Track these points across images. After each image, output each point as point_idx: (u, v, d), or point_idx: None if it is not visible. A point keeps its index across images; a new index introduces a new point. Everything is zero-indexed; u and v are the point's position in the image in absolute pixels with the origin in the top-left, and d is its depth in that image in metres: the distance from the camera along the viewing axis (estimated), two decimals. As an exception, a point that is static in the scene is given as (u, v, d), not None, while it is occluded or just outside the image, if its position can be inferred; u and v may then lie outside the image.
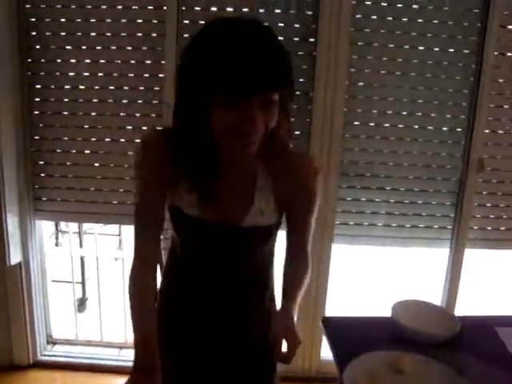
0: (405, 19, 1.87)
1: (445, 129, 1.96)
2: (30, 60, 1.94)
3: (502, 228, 2.07)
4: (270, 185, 1.04)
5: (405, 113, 1.94)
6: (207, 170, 0.98)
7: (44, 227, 2.29)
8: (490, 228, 2.07)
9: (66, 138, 2.00)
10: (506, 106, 1.96)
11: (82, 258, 2.91)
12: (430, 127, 1.95)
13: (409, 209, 2.01)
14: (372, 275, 3.50)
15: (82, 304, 2.90)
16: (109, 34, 1.90)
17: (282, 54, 0.85)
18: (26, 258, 2.09)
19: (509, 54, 1.92)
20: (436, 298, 2.13)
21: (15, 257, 2.04)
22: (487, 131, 1.97)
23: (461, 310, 2.11)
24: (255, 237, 1.06)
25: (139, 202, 1.03)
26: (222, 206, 1.01)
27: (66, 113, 1.98)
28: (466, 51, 1.91)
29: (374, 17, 1.88)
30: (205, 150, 0.95)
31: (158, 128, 1.01)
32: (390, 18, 1.87)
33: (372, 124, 1.96)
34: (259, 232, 1.05)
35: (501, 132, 1.99)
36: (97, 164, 2.02)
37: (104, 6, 1.88)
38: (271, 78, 0.83)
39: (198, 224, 1.02)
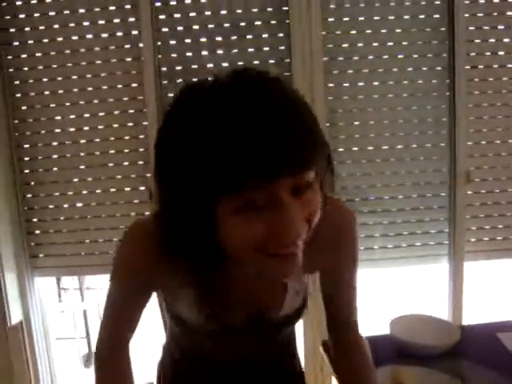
0: (375, 44, 1.93)
1: (428, 145, 1.99)
2: (16, 121, 1.99)
3: (499, 238, 2.06)
4: (303, 261, 0.74)
5: (387, 134, 1.97)
6: (213, 261, 0.69)
7: (45, 285, 2.29)
8: (486, 239, 2.07)
9: (58, 194, 2.03)
10: (485, 117, 1.99)
11: (84, 313, 2.89)
12: (414, 145, 1.98)
13: (403, 228, 2.01)
14: (374, 295, 3.47)
15: (88, 359, 2.86)
16: (90, 89, 1.96)
17: (300, 116, 0.58)
18: (26, 316, 2.08)
19: (480, 67, 1.97)
20: (442, 313, 2.11)
21: (15, 316, 2.03)
22: (470, 143, 2.00)
23: (468, 321, 2.09)
24: (290, 320, 0.89)
25: (113, 301, 0.84)
26: (248, 304, 0.82)
27: (55, 169, 2.01)
28: (439, 68, 1.96)
29: (345, 44, 1.93)
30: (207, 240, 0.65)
31: (144, 218, 0.79)
32: (361, 45, 1.93)
33: (355, 148, 1.98)
34: (295, 314, 0.88)
35: (483, 143, 2.01)
36: (89, 216, 2.03)
37: (83, 63, 1.94)
38: (294, 152, 0.55)
39: (221, 332, 0.82)
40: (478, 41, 1.95)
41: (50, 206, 2.04)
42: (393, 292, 3.54)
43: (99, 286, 2.50)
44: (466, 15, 1.92)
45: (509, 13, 1.94)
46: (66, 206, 2.03)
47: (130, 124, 1.95)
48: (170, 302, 0.84)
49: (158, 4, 1.90)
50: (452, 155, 1.98)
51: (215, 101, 0.56)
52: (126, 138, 1.96)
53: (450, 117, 1.97)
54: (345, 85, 1.93)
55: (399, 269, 2.24)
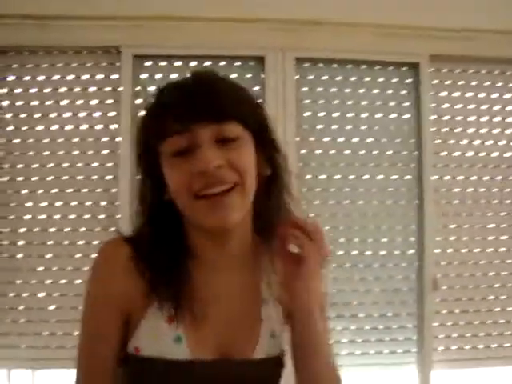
0: (347, 151, 2.01)
1: (397, 252, 2.02)
2: (-15, 205, 1.96)
3: (467, 347, 2.05)
4: (276, 290, 0.78)
5: (356, 239, 2.00)
6: (180, 277, 0.75)
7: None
8: (454, 347, 2.05)
9: (20, 282, 1.96)
10: (451, 226, 2.05)
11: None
12: (383, 252, 2.00)
13: (370, 335, 1.99)
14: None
15: None
16: (65, 178, 1.96)
17: (224, 84, 0.75)
18: (-30, 414, 1.94)
19: (446, 178, 2.05)
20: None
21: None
22: (438, 251, 2.04)
23: None
24: (272, 375, 0.79)
25: (86, 333, 0.78)
26: (217, 333, 0.76)
27: (20, 255, 1.96)
28: (408, 177, 2.04)
29: (318, 151, 2.00)
30: (174, 246, 0.76)
31: (119, 236, 0.81)
32: (333, 152, 2.00)
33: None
34: (275, 366, 0.79)
35: (450, 251, 2.05)
36: (52, 307, 1.96)
37: (61, 152, 1.96)
38: (207, 104, 0.70)
39: (187, 370, 0.74)
40: (443, 153, 2.05)
41: (10, 295, 1.97)
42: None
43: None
44: (432, 129, 2.03)
45: (470, 130, 2.06)
46: (26, 294, 1.96)
47: (102, 216, 1.94)
48: (138, 347, 0.74)
49: (138, 101, 1.95)
50: (420, 262, 2.01)
51: (168, 85, 0.76)
52: (97, 229, 1.94)
53: (418, 224, 2.02)
54: (316, 190, 1.98)
55: (366, 375, 2.19)
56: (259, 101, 0.81)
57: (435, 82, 2.04)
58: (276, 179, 0.79)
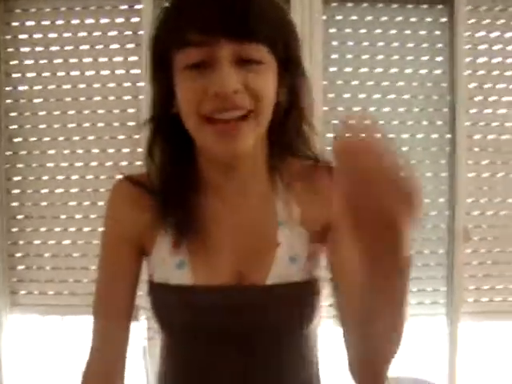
0: (377, 95, 1.92)
1: (427, 201, 1.95)
2: (8, 152, 1.96)
3: (497, 299, 1.99)
4: (297, 212, 0.72)
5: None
6: (186, 202, 0.71)
7: (26, 323, 2.20)
8: (484, 299, 2.00)
9: (44, 229, 1.97)
10: (484, 175, 1.96)
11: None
12: (412, 200, 1.94)
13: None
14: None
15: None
16: (86, 125, 1.93)
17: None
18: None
19: (480, 124, 1.95)
20: (440, 374, 2.01)
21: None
22: (469, 200, 1.96)
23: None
24: (293, 303, 0.71)
25: (101, 269, 0.78)
26: (227, 261, 0.72)
27: (44, 203, 1.96)
28: (439, 123, 1.94)
29: (347, 95, 1.92)
30: (183, 169, 0.73)
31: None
32: (363, 96, 1.92)
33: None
34: (296, 293, 0.71)
35: (482, 201, 1.97)
36: (75, 254, 1.96)
37: (82, 98, 1.93)
38: (234, 15, 0.62)
39: (189, 296, 0.71)
40: (479, 98, 1.95)
41: (36, 242, 1.98)
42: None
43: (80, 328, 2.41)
44: (467, 72, 1.92)
45: (508, 73, 1.94)
46: (52, 242, 1.97)
47: (124, 163, 1.92)
48: (152, 274, 0.75)
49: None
50: (451, 212, 1.94)
51: None
52: (119, 176, 1.91)
53: (449, 172, 1.94)
54: (344, 135, 1.91)
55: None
56: (294, 25, 0.71)
57: (472, 21, 1.91)
58: (296, 109, 0.72)
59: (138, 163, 1.89)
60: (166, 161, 0.74)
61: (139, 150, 1.88)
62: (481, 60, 1.94)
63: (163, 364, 0.81)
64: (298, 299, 0.72)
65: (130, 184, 0.77)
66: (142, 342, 1.87)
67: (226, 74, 0.62)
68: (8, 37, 1.92)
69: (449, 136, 1.93)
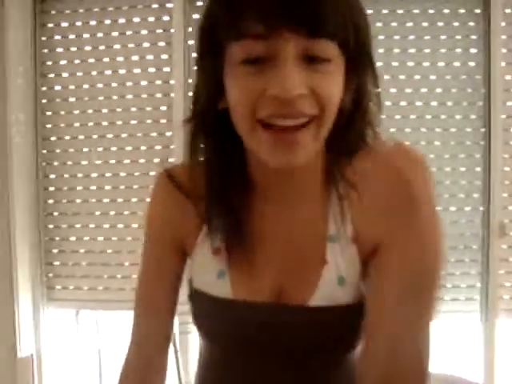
0: (409, 90, 1.90)
1: (461, 195, 1.91)
2: (44, 151, 2.01)
3: (534, 296, 1.95)
4: (350, 227, 0.65)
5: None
6: (234, 212, 0.65)
7: (62, 317, 2.25)
8: (521, 296, 1.95)
9: (79, 226, 2.01)
10: (521, 169, 1.92)
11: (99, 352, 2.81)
12: (446, 195, 1.91)
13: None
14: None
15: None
16: (119, 123, 1.96)
17: None
18: (38, 349, 2.04)
19: (517, 117, 1.91)
20: (476, 372, 1.98)
21: (26, 348, 1.99)
22: (505, 195, 1.92)
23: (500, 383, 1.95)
24: (335, 328, 0.66)
25: (144, 265, 0.75)
26: (269, 275, 0.67)
27: (78, 201, 2.01)
28: (473, 117, 1.91)
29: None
30: (231, 170, 0.66)
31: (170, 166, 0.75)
32: (394, 90, 1.90)
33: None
34: (340, 318, 0.65)
35: (519, 195, 1.93)
36: (110, 251, 2.00)
37: (115, 97, 1.96)
38: (305, 5, 0.53)
39: (229, 310, 0.68)
40: (515, 89, 1.90)
41: (71, 238, 2.02)
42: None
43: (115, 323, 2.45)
44: (503, 64, 1.88)
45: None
46: (86, 238, 2.01)
47: (157, 160, 1.94)
48: (193, 278, 0.72)
49: (190, 42, 1.91)
50: (486, 206, 1.90)
51: None
52: (152, 173, 1.94)
53: (484, 167, 1.90)
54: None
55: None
56: (367, 17, 0.61)
57: (508, 11, 1.87)
58: (361, 113, 0.64)
59: (171, 160, 1.92)
60: (211, 160, 0.68)
61: (172, 146, 1.91)
62: (517, 51, 1.89)
63: (202, 368, 0.79)
64: (343, 324, 0.66)
65: (172, 181, 0.71)
66: (174, 338, 1.90)
67: (290, 74, 0.54)
68: (43, 38, 1.97)
69: (483, 130, 1.89)
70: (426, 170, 0.60)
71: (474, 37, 1.88)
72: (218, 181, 0.67)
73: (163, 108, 1.93)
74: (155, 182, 0.75)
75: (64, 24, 1.99)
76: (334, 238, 0.65)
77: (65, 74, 1.99)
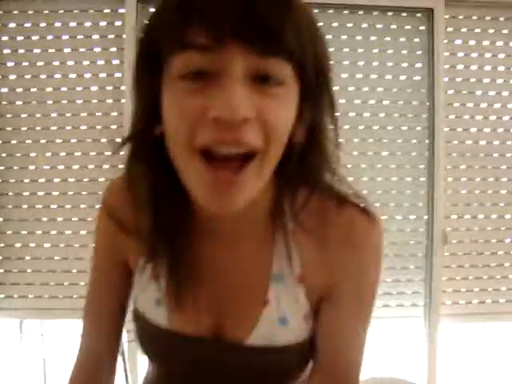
0: (358, 101, 1.95)
1: (406, 205, 1.98)
2: None
3: (475, 301, 2.03)
4: (297, 266, 0.61)
5: (365, 191, 1.96)
6: (173, 239, 0.61)
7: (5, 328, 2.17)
8: (462, 302, 2.03)
9: (25, 232, 1.96)
10: (463, 179, 2.01)
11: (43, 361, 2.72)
12: (392, 204, 1.97)
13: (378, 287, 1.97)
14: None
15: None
16: (69, 128, 1.93)
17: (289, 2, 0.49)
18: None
19: (458, 129, 1.99)
20: (419, 375, 2.04)
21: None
22: (448, 204, 2.00)
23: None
24: (272, 367, 0.63)
25: (91, 281, 0.73)
26: (208, 310, 0.63)
27: (25, 206, 1.95)
28: (418, 128, 1.98)
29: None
30: (168, 200, 0.59)
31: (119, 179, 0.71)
32: (343, 101, 1.95)
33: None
34: (278, 358, 0.62)
35: (461, 204, 2.01)
36: (57, 257, 1.96)
37: (64, 101, 1.92)
38: (258, 16, 0.46)
39: (164, 338, 0.65)
40: (456, 104, 1.99)
41: (16, 245, 1.97)
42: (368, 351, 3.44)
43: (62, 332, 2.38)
44: (446, 79, 1.96)
45: (485, 80, 1.99)
46: (32, 245, 1.96)
47: (106, 166, 1.91)
48: (136, 297, 0.69)
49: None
50: (430, 215, 1.98)
51: None
52: (101, 179, 1.92)
53: (428, 177, 1.97)
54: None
55: (373, 328, 2.18)
56: (326, 40, 0.57)
57: (450, 29, 1.96)
58: (315, 149, 0.57)
59: (120, 167, 1.90)
60: (149, 193, 0.60)
61: (122, 153, 1.88)
62: (459, 67, 1.98)
63: (148, 381, 0.77)
64: (281, 364, 0.63)
65: (111, 217, 0.67)
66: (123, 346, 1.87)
67: (236, 92, 0.47)
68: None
69: (428, 141, 1.97)
70: (382, 239, 0.63)
71: (419, 52, 1.96)
72: (157, 212, 0.61)
73: (114, 114, 1.91)
74: (103, 194, 0.72)
75: (12, 25, 1.94)
76: (278, 277, 0.61)
77: (12, 77, 1.94)
